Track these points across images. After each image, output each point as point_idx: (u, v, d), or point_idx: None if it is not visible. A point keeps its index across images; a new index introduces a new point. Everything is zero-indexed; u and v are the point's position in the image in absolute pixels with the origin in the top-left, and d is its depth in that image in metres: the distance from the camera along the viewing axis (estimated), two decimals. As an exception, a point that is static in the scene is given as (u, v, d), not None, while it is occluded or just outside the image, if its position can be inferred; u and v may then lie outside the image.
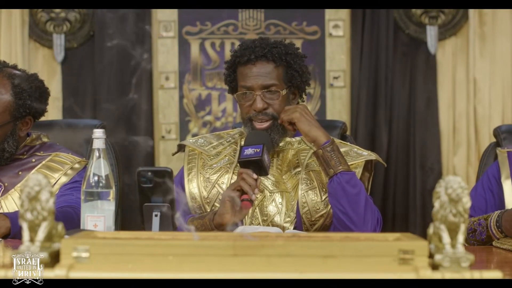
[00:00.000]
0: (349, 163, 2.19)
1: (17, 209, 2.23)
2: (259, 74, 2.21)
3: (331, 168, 2.09)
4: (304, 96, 2.35)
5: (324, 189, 2.18)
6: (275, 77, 2.22)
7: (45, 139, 2.45)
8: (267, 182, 2.20)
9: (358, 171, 2.22)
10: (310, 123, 2.14)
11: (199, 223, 2.11)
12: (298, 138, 2.32)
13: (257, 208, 2.16)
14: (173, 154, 2.46)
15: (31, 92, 2.32)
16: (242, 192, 2.01)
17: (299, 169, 2.23)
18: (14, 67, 2.39)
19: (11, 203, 2.28)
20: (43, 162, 2.36)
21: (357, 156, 2.25)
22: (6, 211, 2.25)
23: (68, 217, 2.04)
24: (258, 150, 2.05)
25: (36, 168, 2.34)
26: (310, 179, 2.20)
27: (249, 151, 2.06)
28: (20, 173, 2.34)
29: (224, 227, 2.05)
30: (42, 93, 2.38)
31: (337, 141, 2.33)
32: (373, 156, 2.26)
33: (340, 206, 2.08)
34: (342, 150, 2.25)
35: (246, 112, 2.24)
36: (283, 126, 2.21)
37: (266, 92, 2.20)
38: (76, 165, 2.37)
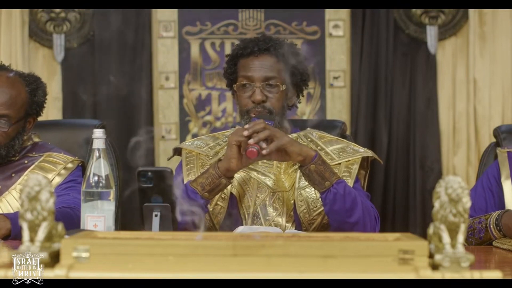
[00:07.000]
0: (346, 159, 2.20)
1: (11, 211, 2.23)
2: (261, 66, 2.22)
3: (327, 180, 2.03)
4: (301, 96, 2.35)
5: None
6: (276, 71, 2.22)
7: (36, 139, 2.44)
8: (268, 181, 2.19)
9: (355, 168, 2.21)
10: (295, 142, 2.06)
11: (203, 177, 2.06)
12: (294, 135, 2.30)
13: (258, 207, 2.16)
14: (169, 159, 2.46)
15: (39, 91, 2.37)
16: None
17: (295, 166, 2.20)
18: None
19: (5, 205, 2.27)
20: (36, 163, 2.35)
21: (354, 153, 2.24)
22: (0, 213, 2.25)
23: (67, 217, 2.04)
24: (269, 124, 2.04)
25: (29, 170, 2.32)
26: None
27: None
28: (13, 175, 2.32)
29: (231, 173, 2.03)
30: (45, 92, 2.41)
31: (334, 137, 2.34)
32: (369, 153, 2.25)
33: (340, 217, 2.06)
34: (338, 146, 2.27)
35: (244, 104, 2.22)
36: (281, 123, 2.21)
37: (266, 85, 2.20)
38: (69, 165, 2.36)
